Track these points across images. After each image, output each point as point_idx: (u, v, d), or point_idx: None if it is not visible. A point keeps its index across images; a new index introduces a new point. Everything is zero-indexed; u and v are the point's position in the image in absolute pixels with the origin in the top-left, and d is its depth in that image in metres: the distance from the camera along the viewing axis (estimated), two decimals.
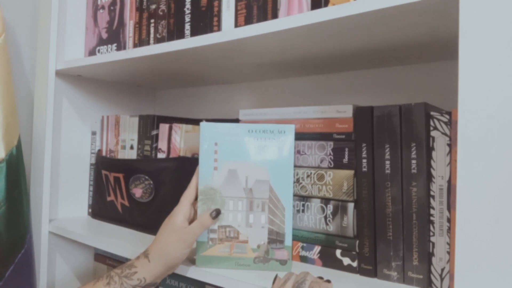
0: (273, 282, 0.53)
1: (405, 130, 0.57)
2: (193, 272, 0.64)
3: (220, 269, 0.63)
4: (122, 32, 0.88)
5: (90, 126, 1.04)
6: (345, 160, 0.63)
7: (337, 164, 0.64)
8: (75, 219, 0.98)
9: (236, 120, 1.01)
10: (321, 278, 0.53)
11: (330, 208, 0.63)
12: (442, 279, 0.54)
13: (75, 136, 1.01)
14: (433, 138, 0.55)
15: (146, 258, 0.61)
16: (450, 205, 0.53)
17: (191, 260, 0.67)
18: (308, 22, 0.54)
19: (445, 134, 0.54)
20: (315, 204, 0.65)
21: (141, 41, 0.84)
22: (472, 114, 0.41)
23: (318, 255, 0.65)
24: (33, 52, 1.06)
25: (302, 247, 0.66)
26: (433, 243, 0.55)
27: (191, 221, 0.64)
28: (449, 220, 0.54)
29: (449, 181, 0.54)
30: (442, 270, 0.54)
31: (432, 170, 0.55)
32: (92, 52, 0.96)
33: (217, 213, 0.63)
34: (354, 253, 0.61)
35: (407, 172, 0.56)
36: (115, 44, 0.90)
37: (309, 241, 0.66)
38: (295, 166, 0.68)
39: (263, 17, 0.64)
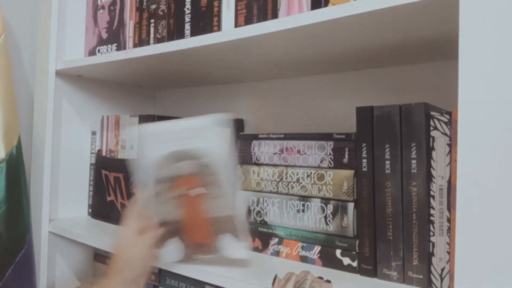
0: (273, 282, 0.53)
1: (405, 130, 0.57)
2: (192, 272, 0.64)
3: (220, 269, 0.63)
4: (122, 32, 0.88)
5: (90, 126, 1.04)
6: (345, 160, 0.63)
7: (337, 164, 0.64)
8: (75, 219, 0.98)
9: (237, 121, 1.01)
10: (321, 278, 0.53)
11: (330, 208, 0.63)
12: (442, 279, 0.54)
13: (75, 136, 1.01)
14: (433, 138, 0.55)
15: (106, 274, 0.60)
16: (450, 205, 0.53)
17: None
18: (308, 22, 0.54)
19: (445, 134, 0.54)
20: (315, 204, 0.65)
21: (141, 41, 0.84)
22: (472, 114, 0.41)
23: (318, 255, 0.65)
24: (33, 52, 1.06)
25: (302, 247, 0.66)
26: (433, 243, 0.55)
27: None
28: (449, 220, 0.54)
29: (449, 181, 0.54)
30: (442, 270, 0.54)
31: (432, 170, 0.55)
32: (92, 52, 0.96)
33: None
34: (354, 253, 0.61)
35: (407, 172, 0.56)
36: (115, 44, 0.90)
37: (309, 241, 0.66)
38: (295, 166, 0.68)
39: (263, 17, 0.64)
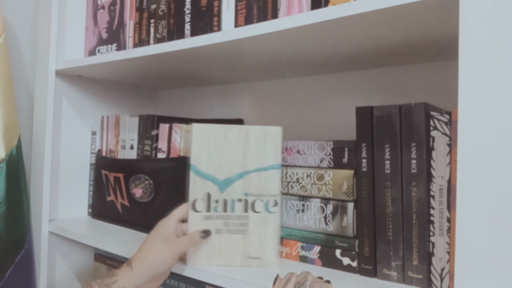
0: (274, 282, 0.53)
1: (405, 130, 0.57)
2: (192, 272, 0.64)
3: (220, 269, 0.63)
4: (122, 32, 0.88)
5: (90, 126, 1.04)
6: (345, 160, 0.63)
7: (337, 164, 0.64)
8: (75, 219, 0.98)
9: (237, 121, 1.01)
10: (320, 278, 0.53)
11: (329, 208, 0.63)
12: (442, 279, 0.54)
13: (75, 136, 1.01)
14: (433, 138, 0.55)
15: (129, 266, 0.60)
16: (450, 205, 0.53)
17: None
18: (308, 22, 0.54)
19: (445, 134, 0.54)
20: (315, 204, 0.65)
21: (141, 41, 0.84)
22: (472, 114, 0.41)
23: (318, 255, 0.65)
24: (33, 52, 1.06)
25: (302, 247, 0.66)
26: (433, 243, 0.55)
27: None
28: (449, 220, 0.54)
29: (449, 181, 0.54)
30: (442, 270, 0.54)
31: (432, 170, 0.55)
32: (92, 52, 0.96)
33: (206, 234, 0.64)
34: (353, 253, 0.61)
35: (407, 172, 0.56)
36: (115, 44, 0.90)
37: (308, 241, 0.66)
38: (295, 166, 0.68)
39: (263, 17, 0.64)
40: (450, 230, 0.53)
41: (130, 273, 0.59)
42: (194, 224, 0.65)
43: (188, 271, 0.65)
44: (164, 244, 0.61)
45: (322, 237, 0.64)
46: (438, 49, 0.66)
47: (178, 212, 0.65)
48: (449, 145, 0.54)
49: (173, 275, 0.83)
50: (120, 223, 0.92)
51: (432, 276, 0.55)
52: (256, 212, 0.65)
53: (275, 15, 0.63)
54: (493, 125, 0.40)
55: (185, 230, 0.66)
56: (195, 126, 0.66)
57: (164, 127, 0.84)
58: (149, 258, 0.60)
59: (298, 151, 0.68)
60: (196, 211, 0.65)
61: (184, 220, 0.66)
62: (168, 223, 0.64)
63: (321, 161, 0.66)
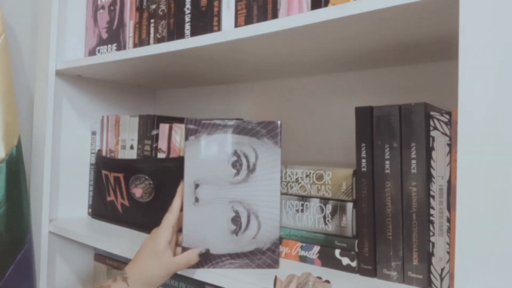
0: (274, 284, 0.53)
1: (405, 130, 0.57)
2: (193, 272, 0.64)
3: (220, 269, 0.63)
4: (122, 32, 0.88)
5: (90, 126, 1.04)
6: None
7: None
8: (75, 219, 0.98)
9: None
10: (319, 278, 0.53)
11: (329, 208, 0.63)
12: (442, 279, 0.54)
13: (75, 136, 1.01)
14: (433, 138, 0.55)
15: (125, 282, 0.59)
16: (450, 205, 0.53)
17: None
18: (308, 22, 0.54)
19: (445, 134, 0.54)
20: (314, 204, 0.65)
21: (141, 41, 0.84)
22: (472, 114, 0.41)
23: (317, 255, 0.65)
24: (33, 52, 1.06)
25: (301, 247, 0.66)
26: (433, 243, 0.55)
27: (171, 244, 0.64)
28: (449, 220, 0.54)
29: (449, 181, 0.54)
30: (442, 270, 0.54)
31: (432, 170, 0.55)
32: (92, 52, 0.96)
33: (204, 254, 0.63)
34: (353, 253, 0.61)
35: (407, 172, 0.56)
36: (115, 44, 0.90)
37: (308, 241, 0.66)
38: (294, 165, 0.68)
39: (263, 17, 0.64)
40: (450, 230, 0.53)
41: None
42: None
43: (188, 271, 0.65)
44: (161, 262, 0.60)
45: (322, 237, 0.64)
46: (438, 49, 0.66)
47: (171, 219, 0.64)
48: (449, 145, 0.54)
49: (173, 275, 0.83)
50: (120, 223, 0.92)
51: (432, 276, 0.55)
52: None
53: (275, 15, 0.63)
54: (493, 125, 0.40)
55: (180, 241, 0.66)
56: None
57: (164, 127, 0.84)
58: (145, 275, 0.60)
59: None
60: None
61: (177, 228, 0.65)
62: (163, 234, 0.62)
63: None
